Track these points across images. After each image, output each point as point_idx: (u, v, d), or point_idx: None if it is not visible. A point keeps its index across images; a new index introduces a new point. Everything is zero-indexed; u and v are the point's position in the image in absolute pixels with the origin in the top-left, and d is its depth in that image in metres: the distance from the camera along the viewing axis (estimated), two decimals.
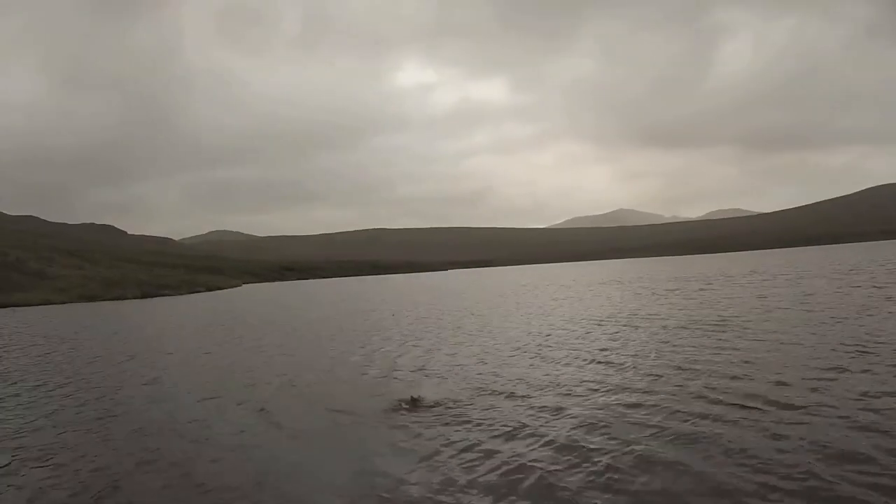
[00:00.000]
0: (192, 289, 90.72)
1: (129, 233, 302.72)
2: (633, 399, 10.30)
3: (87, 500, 7.40)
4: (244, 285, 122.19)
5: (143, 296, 75.66)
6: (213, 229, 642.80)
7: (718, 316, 20.89)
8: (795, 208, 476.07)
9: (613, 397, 10.57)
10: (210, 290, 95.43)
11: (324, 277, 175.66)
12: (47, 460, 8.94)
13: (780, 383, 10.46)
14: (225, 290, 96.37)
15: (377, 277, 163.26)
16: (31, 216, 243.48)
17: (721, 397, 9.87)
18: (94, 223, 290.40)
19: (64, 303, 65.50)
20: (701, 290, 35.55)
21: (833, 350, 13.11)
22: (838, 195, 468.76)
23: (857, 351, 12.76)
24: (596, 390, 11.21)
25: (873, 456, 7.08)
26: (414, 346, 19.23)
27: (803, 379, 10.67)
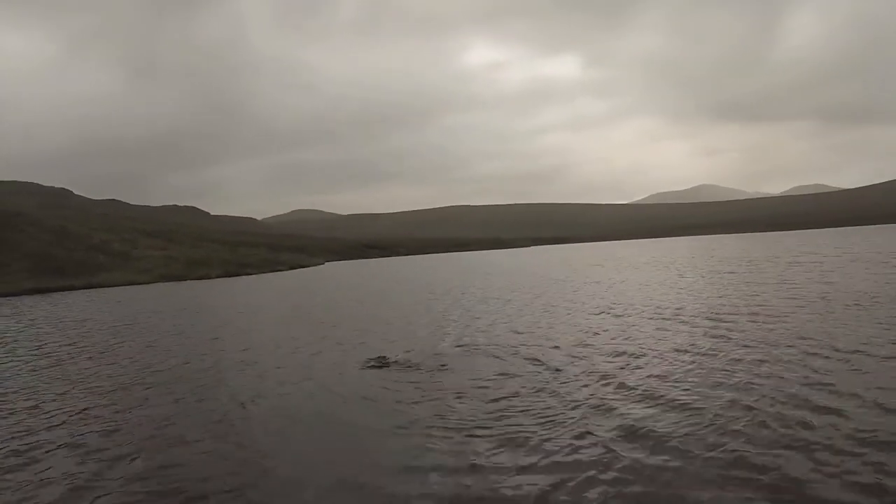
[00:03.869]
0: (275, 267, 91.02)
1: (212, 213, 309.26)
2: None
3: None
4: (327, 263, 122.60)
5: (227, 275, 76.06)
6: (295, 209, 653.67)
7: (710, 307, 19.60)
8: (878, 184, 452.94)
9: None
10: (292, 268, 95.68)
11: (406, 255, 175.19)
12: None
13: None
14: (308, 269, 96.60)
15: (463, 254, 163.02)
16: (114, 200, 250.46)
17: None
18: (176, 205, 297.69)
19: (148, 283, 66.07)
20: (731, 272, 34.17)
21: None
22: None
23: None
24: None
25: None
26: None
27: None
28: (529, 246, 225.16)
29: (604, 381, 10.72)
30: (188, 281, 68.57)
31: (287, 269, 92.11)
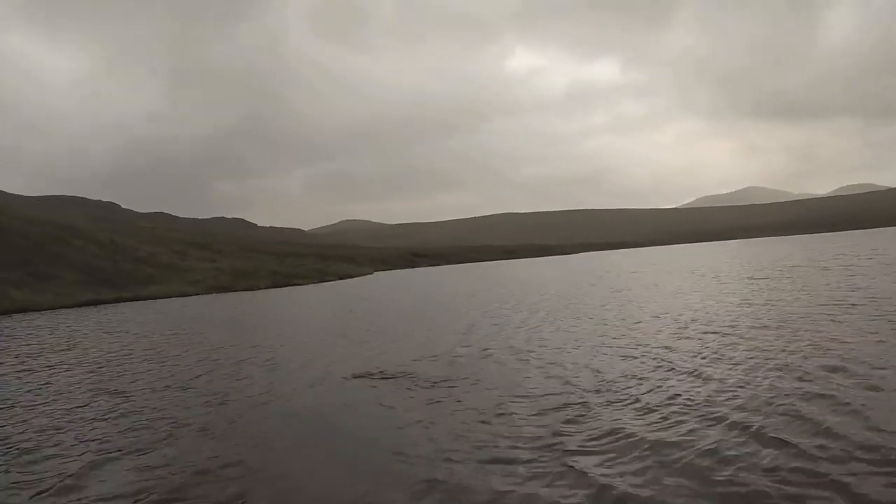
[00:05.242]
0: (324, 277, 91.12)
1: (259, 225, 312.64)
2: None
3: None
4: (375, 273, 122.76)
5: (275, 285, 76.26)
6: (342, 219, 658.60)
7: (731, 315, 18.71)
8: None
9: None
10: (341, 278, 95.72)
11: (455, 263, 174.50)
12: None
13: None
14: (357, 279, 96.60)
15: (511, 262, 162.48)
16: (161, 213, 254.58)
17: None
18: (224, 216, 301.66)
19: (196, 294, 66.33)
20: (766, 278, 32.68)
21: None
22: None
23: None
24: None
25: None
26: None
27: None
28: (578, 252, 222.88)
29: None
30: (236, 292, 68.81)
31: (336, 279, 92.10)
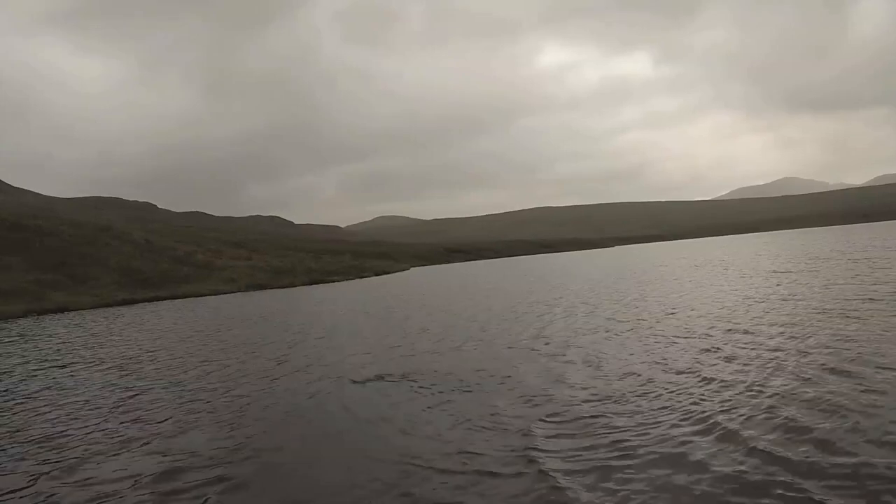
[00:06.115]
0: (360, 274, 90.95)
1: (295, 223, 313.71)
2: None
3: None
4: (412, 269, 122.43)
5: (312, 282, 76.04)
6: (377, 216, 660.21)
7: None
8: None
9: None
10: (378, 274, 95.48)
11: (491, 258, 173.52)
12: None
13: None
14: (394, 274, 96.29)
15: (549, 256, 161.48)
16: (197, 212, 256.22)
17: None
18: (260, 215, 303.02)
19: (233, 292, 66.12)
20: (789, 272, 30.75)
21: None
22: None
23: None
24: None
25: None
26: None
27: None
28: (614, 246, 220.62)
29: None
30: (273, 289, 68.57)
31: (373, 276, 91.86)
